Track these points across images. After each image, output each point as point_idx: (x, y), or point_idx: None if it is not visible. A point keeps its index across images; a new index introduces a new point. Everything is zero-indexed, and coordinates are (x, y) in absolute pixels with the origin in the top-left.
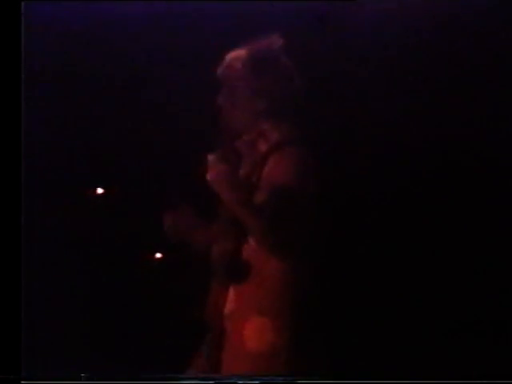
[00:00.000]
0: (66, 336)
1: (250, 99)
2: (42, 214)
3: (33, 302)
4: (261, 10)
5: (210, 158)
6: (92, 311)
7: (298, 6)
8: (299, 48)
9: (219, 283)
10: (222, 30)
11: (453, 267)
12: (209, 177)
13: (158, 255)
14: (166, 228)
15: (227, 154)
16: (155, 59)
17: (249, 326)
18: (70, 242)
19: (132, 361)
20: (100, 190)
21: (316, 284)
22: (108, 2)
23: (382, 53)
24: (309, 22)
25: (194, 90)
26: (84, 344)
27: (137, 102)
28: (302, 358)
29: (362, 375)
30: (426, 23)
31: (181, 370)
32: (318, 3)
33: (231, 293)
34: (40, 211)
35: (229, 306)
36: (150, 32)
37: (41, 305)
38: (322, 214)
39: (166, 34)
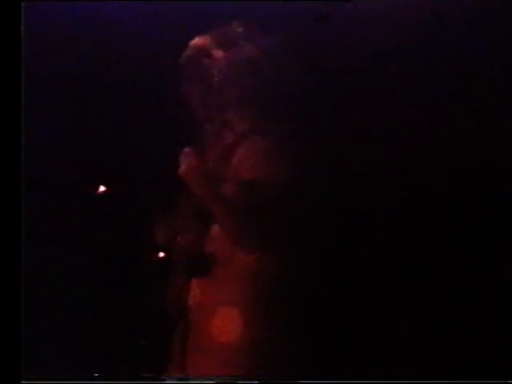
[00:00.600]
0: (66, 336)
1: (214, 89)
2: (42, 213)
3: (33, 302)
4: (262, 9)
5: (184, 152)
6: (92, 311)
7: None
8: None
9: (184, 276)
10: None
11: (445, 265)
12: (181, 171)
13: (161, 254)
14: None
15: (199, 147)
16: (155, 59)
17: (216, 319)
18: (70, 242)
19: (132, 361)
20: (99, 190)
21: (286, 276)
22: (108, 1)
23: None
24: (305, 20)
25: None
26: (84, 344)
27: (137, 99)
28: (271, 353)
29: (362, 375)
30: (425, 22)
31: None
32: (317, 3)
33: (196, 286)
34: (40, 211)
35: (195, 300)
36: (151, 31)
37: (41, 305)
38: (292, 204)
39: (166, 34)
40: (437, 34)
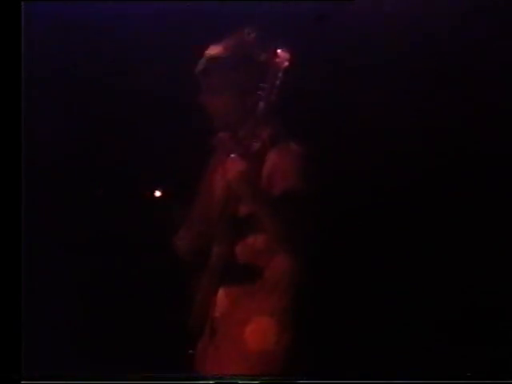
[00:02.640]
0: (66, 336)
1: (233, 96)
2: (42, 213)
3: (33, 301)
4: (263, 9)
5: (231, 157)
6: (92, 311)
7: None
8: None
9: (216, 285)
10: (222, 30)
11: (451, 264)
12: (231, 176)
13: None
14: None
15: (244, 152)
16: (155, 58)
17: (249, 327)
18: (70, 242)
19: (132, 361)
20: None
21: (318, 282)
22: (107, 2)
23: (376, 50)
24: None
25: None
26: (84, 344)
27: (136, 100)
28: (300, 358)
29: (362, 375)
30: (425, 22)
31: (179, 370)
32: (317, 3)
33: (229, 294)
34: (40, 211)
35: (226, 308)
36: (150, 31)
37: (41, 305)
38: (322, 209)
39: (167, 35)
40: (438, 34)
